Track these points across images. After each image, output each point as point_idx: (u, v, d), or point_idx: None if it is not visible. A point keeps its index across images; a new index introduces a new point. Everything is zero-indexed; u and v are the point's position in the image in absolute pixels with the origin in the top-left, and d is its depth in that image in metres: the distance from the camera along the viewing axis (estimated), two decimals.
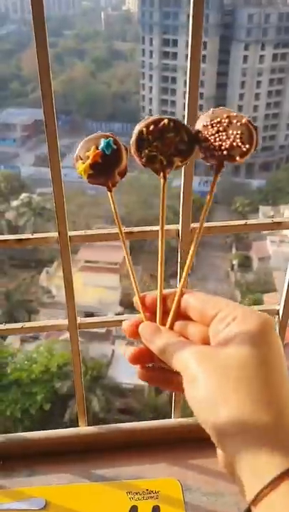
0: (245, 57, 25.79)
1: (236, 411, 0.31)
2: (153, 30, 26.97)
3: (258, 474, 0.30)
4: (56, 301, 14.27)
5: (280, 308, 0.81)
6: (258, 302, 13.00)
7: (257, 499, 0.30)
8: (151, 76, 27.57)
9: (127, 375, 9.19)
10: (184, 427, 0.94)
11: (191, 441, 0.94)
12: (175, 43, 26.15)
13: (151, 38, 27.09)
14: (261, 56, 25.57)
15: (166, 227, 0.66)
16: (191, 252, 0.43)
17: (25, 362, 10.14)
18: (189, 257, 0.43)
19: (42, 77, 0.57)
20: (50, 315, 13.44)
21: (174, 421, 0.95)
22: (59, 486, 0.87)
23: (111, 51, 33.42)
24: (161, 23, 26.56)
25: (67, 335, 0.82)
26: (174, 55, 26.24)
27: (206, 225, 0.70)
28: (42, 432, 0.94)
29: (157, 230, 0.64)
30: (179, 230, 0.71)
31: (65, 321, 0.81)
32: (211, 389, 0.32)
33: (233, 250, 17.21)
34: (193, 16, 0.56)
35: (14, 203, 16.09)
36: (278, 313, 0.82)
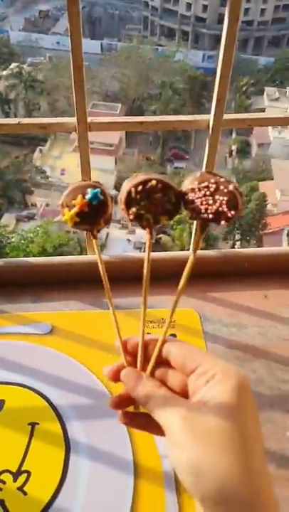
0: None
1: (221, 481, 0.33)
2: None
3: None
4: (51, 182, 13.95)
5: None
6: (254, 189, 12.86)
7: None
8: None
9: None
10: (203, 259, 0.85)
11: (210, 275, 0.86)
12: None
13: None
14: None
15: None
16: (175, 299, 0.42)
17: (22, 241, 10.22)
18: (174, 302, 0.41)
19: None
20: (45, 196, 13.26)
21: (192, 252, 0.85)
22: (67, 313, 0.79)
23: None
24: None
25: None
26: None
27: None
28: (49, 258, 0.85)
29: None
30: None
31: (73, 119, 0.66)
32: (196, 456, 0.34)
33: (234, 134, 16.55)
34: None
35: (3, 73, 14.93)
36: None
